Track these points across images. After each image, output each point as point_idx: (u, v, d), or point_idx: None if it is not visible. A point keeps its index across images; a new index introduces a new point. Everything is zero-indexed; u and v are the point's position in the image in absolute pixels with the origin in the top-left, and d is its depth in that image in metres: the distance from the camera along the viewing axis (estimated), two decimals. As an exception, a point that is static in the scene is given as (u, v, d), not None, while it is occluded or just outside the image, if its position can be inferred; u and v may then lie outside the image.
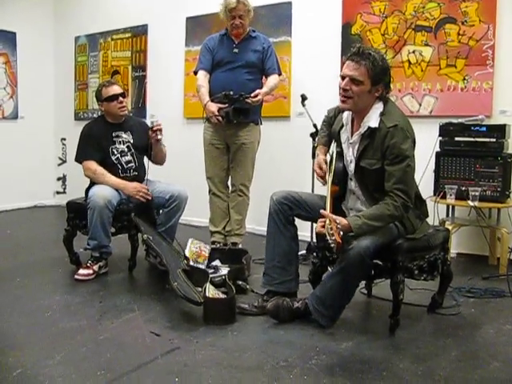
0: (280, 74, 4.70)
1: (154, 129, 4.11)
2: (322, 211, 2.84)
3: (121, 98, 4.15)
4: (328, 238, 2.68)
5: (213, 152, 4.67)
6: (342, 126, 3.18)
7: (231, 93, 4.30)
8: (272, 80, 4.57)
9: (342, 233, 2.70)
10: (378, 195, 2.97)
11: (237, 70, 4.49)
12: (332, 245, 2.67)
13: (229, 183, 4.80)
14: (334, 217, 2.78)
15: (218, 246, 4.58)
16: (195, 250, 3.92)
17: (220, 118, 4.37)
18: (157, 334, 2.91)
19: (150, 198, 4.02)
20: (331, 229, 2.67)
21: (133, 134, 4.24)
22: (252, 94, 4.33)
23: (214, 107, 4.39)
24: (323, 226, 2.76)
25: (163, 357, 2.63)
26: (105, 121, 4.24)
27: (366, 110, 3.00)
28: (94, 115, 7.01)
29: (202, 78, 4.58)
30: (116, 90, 4.16)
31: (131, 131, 4.24)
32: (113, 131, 4.19)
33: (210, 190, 4.74)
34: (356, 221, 2.81)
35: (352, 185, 3.15)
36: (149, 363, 2.56)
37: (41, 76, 7.44)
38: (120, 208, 3.97)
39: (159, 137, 4.13)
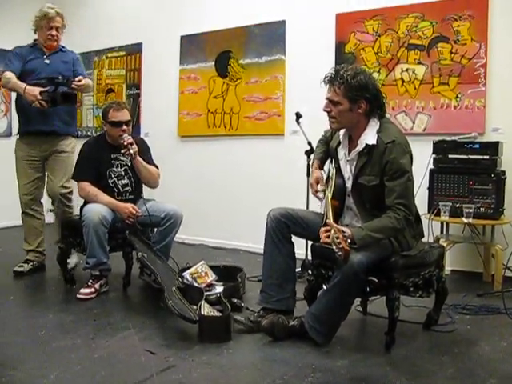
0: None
1: (125, 144, 3.95)
2: (327, 221, 2.85)
3: (124, 126, 4.06)
4: (334, 247, 2.68)
5: (26, 169, 4.62)
6: (339, 143, 3.20)
7: (59, 77, 4.29)
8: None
9: (349, 240, 2.71)
10: (374, 212, 2.98)
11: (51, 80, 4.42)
12: (339, 253, 2.67)
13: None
14: (339, 227, 2.80)
15: (33, 264, 4.59)
16: (201, 271, 3.89)
17: (43, 103, 4.22)
18: (152, 352, 2.89)
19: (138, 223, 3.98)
20: (337, 238, 2.68)
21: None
22: (76, 79, 4.36)
23: (36, 91, 4.22)
24: (328, 237, 2.75)
25: (158, 375, 2.61)
26: (105, 141, 4.19)
27: (361, 128, 3.03)
28: (88, 133, 7.04)
29: (12, 74, 4.39)
30: (123, 117, 4.07)
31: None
32: (111, 153, 4.15)
33: (21, 210, 4.67)
34: (359, 232, 2.82)
35: (350, 201, 3.16)
36: (144, 381, 2.54)
37: (35, 94, 7.39)
38: (115, 226, 3.95)
39: (131, 151, 3.95)
